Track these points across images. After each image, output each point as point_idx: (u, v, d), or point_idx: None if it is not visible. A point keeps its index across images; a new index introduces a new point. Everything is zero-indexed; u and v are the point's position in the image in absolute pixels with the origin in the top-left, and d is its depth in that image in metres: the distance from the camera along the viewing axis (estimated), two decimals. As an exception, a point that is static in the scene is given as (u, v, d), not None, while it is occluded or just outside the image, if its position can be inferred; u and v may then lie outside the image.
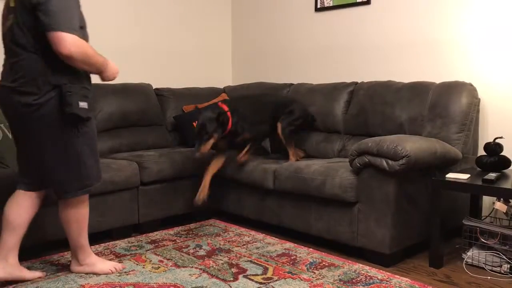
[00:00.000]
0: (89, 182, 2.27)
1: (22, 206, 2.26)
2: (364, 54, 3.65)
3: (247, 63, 4.64)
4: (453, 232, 2.81)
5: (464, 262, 2.54)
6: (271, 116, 3.27)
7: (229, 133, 3.01)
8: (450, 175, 2.51)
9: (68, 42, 1.98)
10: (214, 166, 3.17)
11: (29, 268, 2.42)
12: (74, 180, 2.22)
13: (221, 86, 4.48)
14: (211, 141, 2.93)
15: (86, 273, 2.39)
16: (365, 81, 3.45)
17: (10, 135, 2.84)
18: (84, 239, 2.36)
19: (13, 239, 2.23)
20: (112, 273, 2.41)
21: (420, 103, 3.01)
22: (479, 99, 2.96)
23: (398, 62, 3.45)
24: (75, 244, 2.35)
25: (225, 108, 3.04)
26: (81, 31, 2.12)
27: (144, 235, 3.08)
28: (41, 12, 1.98)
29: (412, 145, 2.46)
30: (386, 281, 2.30)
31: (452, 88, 2.92)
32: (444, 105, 2.90)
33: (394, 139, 2.52)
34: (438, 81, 3.06)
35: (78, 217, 2.31)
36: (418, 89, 3.07)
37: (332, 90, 3.53)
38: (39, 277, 2.34)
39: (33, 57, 2.06)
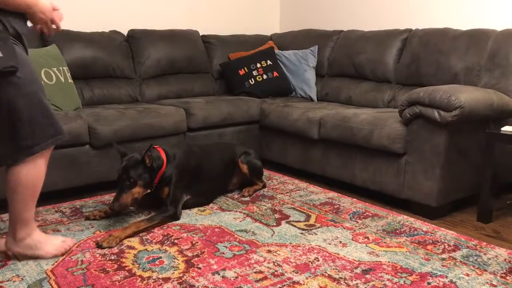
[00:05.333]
0: (37, 141, 1.78)
1: None
2: (420, -1, 3.45)
3: (296, 9, 4.50)
4: (504, 188, 2.71)
5: (515, 218, 2.47)
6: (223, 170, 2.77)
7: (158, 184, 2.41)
8: (506, 128, 2.39)
9: None
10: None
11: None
12: (8, 144, 1.76)
13: (268, 34, 4.40)
14: (135, 190, 2.28)
15: (26, 257, 1.93)
16: (420, 28, 3.28)
17: (63, 79, 2.94)
18: (29, 211, 1.88)
19: None
20: (62, 254, 1.97)
21: (478, 52, 2.84)
22: (545, 48, 2.76)
23: (457, 8, 3.23)
24: (16, 217, 1.86)
25: (161, 152, 2.45)
26: None
27: (191, 179, 3.16)
28: None
29: (466, 95, 2.34)
30: (431, 233, 2.27)
31: (515, 36, 2.73)
32: (504, 54, 2.73)
33: (448, 89, 2.40)
34: (499, 28, 2.86)
35: (27, 180, 1.81)
36: (477, 37, 2.89)
37: (384, 37, 3.39)
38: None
39: None
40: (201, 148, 2.76)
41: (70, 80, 3.02)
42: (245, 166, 2.83)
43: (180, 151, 2.55)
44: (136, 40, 3.60)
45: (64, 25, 3.30)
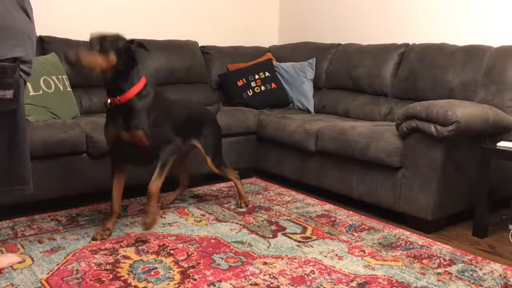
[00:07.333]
0: None
1: None
2: (417, 14, 3.48)
3: (294, 22, 4.54)
4: (500, 203, 2.72)
5: (510, 233, 2.47)
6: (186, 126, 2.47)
7: (128, 102, 2.14)
8: (502, 144, 2.41)
9: None
10: (118, 188, 2.36)
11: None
12: None
13: (267, 46, 4.43)
14: (101, 58, 2.00)
15: None
16: (417, 42, 3.31)
17: (61, 87, 2.95)
18: None
19: None
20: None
21: (475, 68, 2.87)
22: (540, 65, 2.79)
23: (454, 24, 3.27)
24: None
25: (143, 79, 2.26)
26: None
27: (188, 190, 3.16)
28: None
29: (463, 110, 2.36)
30: (427, 247, 2.28)
31: (511, 52, 2.76)
32: (500, 70, 2.76)
33: (444, 103, 2.42)
34: (496, 44, 2.90)
35: None
36: (473, 53, 2.92)
37: (381, 51, 3.42)
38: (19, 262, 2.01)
39: None
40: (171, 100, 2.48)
41: (69, 89, 3.03)
42: (209, 159, 2.58)
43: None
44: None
45: (64, 34, 3.34)
